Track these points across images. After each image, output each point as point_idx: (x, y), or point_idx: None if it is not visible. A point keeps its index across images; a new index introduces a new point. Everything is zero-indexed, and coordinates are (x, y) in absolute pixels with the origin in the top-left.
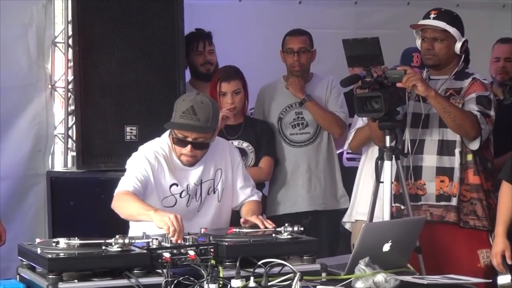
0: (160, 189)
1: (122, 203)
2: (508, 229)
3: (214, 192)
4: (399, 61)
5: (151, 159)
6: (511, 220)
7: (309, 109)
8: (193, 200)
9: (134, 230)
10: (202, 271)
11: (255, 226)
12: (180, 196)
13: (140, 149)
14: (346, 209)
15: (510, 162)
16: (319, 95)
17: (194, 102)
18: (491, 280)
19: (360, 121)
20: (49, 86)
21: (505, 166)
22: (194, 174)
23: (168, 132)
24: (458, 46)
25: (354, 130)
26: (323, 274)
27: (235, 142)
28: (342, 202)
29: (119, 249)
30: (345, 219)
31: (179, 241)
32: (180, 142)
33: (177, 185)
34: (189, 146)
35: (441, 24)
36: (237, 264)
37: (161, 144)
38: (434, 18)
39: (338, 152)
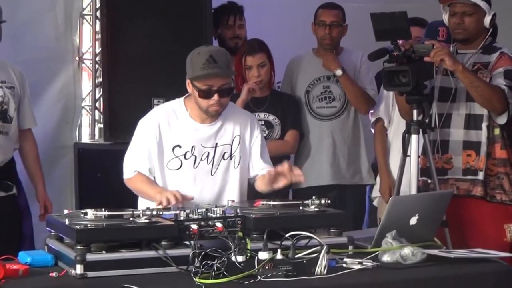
0: (164, 153)
1: (136, 189)
2: None
3: (231, 158)
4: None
5: (153, 128)
6: None
7: (342, 82)
8: (204, 163)
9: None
10: (230, 243)
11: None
12: (185, 158)
13: (146, 116)
14: (371, 185)
15: None
16: (348, 71)
17: (211, 52)
18: None
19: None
20: (77, 58)
21: None
22: (203, 135)
23: (182, 98)
24: (487, 19)
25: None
26: (350, 247)
27: (261, 115)
28: (367, 178)
29: (147, 220)
30: (373, 194)
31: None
32: (206, 93)
33: (180, 146)
34: (216, 95)
35: None
36: (264, 236)
37: (173, 105)
38: None
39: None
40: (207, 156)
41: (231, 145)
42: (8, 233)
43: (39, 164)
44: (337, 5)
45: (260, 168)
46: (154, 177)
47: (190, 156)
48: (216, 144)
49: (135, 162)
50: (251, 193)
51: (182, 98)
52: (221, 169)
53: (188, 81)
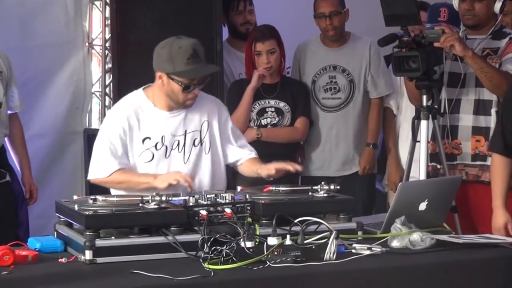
0: (134, 147)
1: (121, 181)
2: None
3: (201, 144)
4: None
5: (122, 122)
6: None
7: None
8: (175, 151)
9: None
10: (239, 228)
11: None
12: (156, 148)
13: (110, 112)
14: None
15: (498, 135)
16: (359, 59)
17: (194, 46)
18: None
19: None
20: (87, 44)
21: (493, 139)
22: (171, 124)
23: (139, 89)
24: (498, 5)
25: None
26: (359, 233)
27: (272, 102)
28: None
29: (156, 206)
30: (385, 181)
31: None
32: (187, 88)
33: (149, 138)
34: (196, 89)
35: None
36: (274, 222)
37: (134, 98)
38: None
39: None
40: (178, 145)
41: (200, 131)
42: (5, 220)
43: (25, 148)
44: None
45: (243, 155)
46: None
47: (161, 146)
48: (186, 131)
49: (113, 161)
50: (230, 177)
51: (140, 90)
52: (193, 156)
53: (161, 74)
